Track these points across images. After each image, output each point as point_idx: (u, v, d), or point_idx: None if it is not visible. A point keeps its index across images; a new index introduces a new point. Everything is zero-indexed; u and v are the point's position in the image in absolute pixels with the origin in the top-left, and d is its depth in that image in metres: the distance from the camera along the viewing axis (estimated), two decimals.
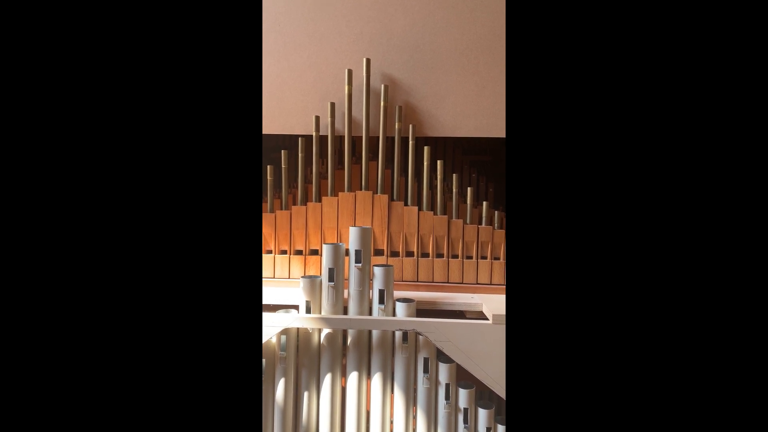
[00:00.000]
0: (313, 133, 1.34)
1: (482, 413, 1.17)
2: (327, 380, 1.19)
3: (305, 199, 1.36)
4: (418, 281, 1.33)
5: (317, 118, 1.34)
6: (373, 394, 1.20)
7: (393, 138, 1.35)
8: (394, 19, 1.34)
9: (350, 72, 1.32)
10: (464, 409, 1.17)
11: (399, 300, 1.21)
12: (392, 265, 1.23)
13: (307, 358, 1.20)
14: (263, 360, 1.18)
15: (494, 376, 1.12)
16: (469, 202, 1.33)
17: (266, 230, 1.34)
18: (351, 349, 1.20)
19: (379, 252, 1.34)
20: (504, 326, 1.12)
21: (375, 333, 1.20)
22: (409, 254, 1.34)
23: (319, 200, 1.35)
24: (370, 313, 1.21)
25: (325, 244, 1.19)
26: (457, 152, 1.75)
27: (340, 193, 1.34)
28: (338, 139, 1.39)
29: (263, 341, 1.14)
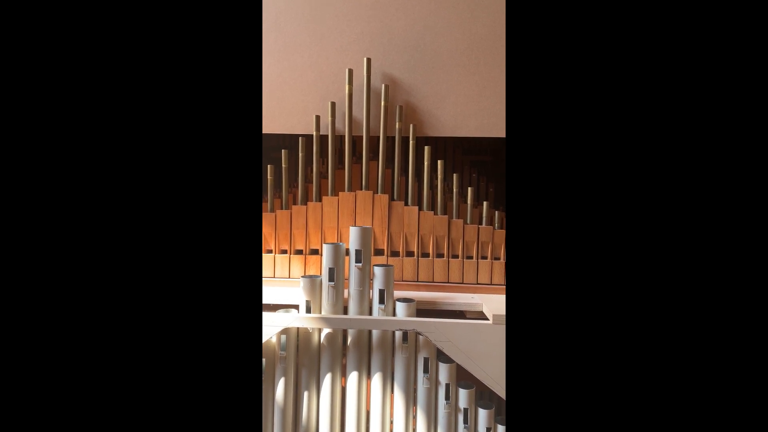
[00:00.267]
0: (314, 133, 1.34)
1: (482, 413, 1.17)
2: (327, 380, 1.19)
3: (305, 199, 1.36)
4: (418, 281, 1.33)
5: (318, 118, 1.34)
6: (373, 394, 1.20)
7: (393, 138, 1.35)
8: (394, 18, 1.33)
9: (351, 71, 1.32)
10: (464, 409, 1.17)
11: (399, 300, 1.21)
12: (392, 265, 1.23)
13: (307, 358, 1.20)
14: (263, 360, 1.18)
15: (494, 376, 1.12)
16: (469, 202, 1.33)
17: (266, 230, 1.34)
18: (351, 349, 1.20)
19: (379, 252, 1.34)
20: (504, 326, 1.12)
21: (375, 333, 1.20)
22: (410, 254, 1.34)
23: (320, 200, 1.35)
24: (370, 313, 1.20)
25: (325, 243, 1.19)
26: (458, 152, 1.75)
27: (340, 193, 1.34)
28: (339, 139, 1.39)
29: (263, 341, 1.14)
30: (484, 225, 1.32)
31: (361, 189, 1.34)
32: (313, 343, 1.21)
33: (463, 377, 1.17)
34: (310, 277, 1.21)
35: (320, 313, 1.19)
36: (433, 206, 1.35)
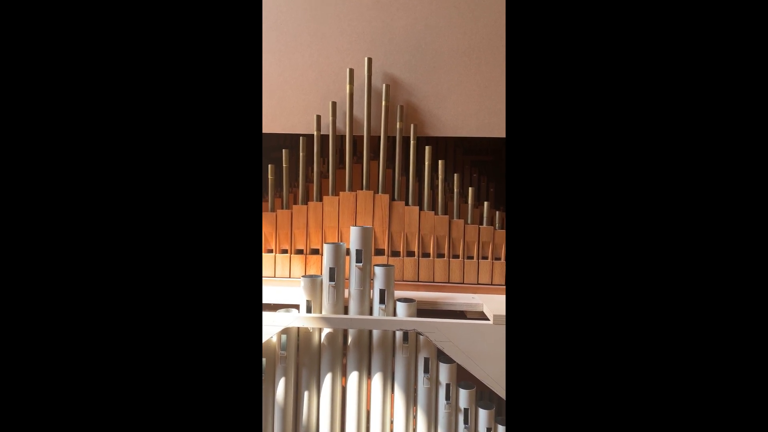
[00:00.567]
0: (315, 133, 1.34)
1: (482, 413, 1.17)
2: (327, 380, 1.19)
3: (306, 199, 1.36)
4: (418, 281, 1.33)
5: (318, 118, 1.34)
6: (374, 394, 1.20)
7: (394, 137, 1.35)
8: (395, 18, 1.33)
9: (352, 71, 1.32)
10: (465, 409, 1.17)
11: (400, 300, 1.21)
12: (393, 265, 1.22)
13: (308, 358, 1.20)
14: (263, 359, 1.18)
15: (495, 376, 1.11)
16: (470, 202, 1.33)
17: (267, 229, 1.34)
18: (351, 349, 1.20)
19: (380, 252, 1.34)
20: (504, 327, 1.12)
21: (375, 333, 1.20)
22: (410, 254, 1.34)
23: (320, 200, 1.35)
24: (371, 313, 1.20)
25: (326, 243, 1.19)
26: (459, 152, 1.75)
27: (341, 193, 1.34)
28: (339, 139, 1.39)
29: (264, 340, 1.14)
30: (484, 225, 1.32)
31: (362, 189, 1.34)
32: (313, 342, 1.21)
33: (463, 377, 1.17)
34: (311, 276, 1.21)
35: (321, 312, 1.19)
36: (433, 206, 1.35)
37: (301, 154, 1.34)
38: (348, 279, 1.20)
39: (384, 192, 1.34)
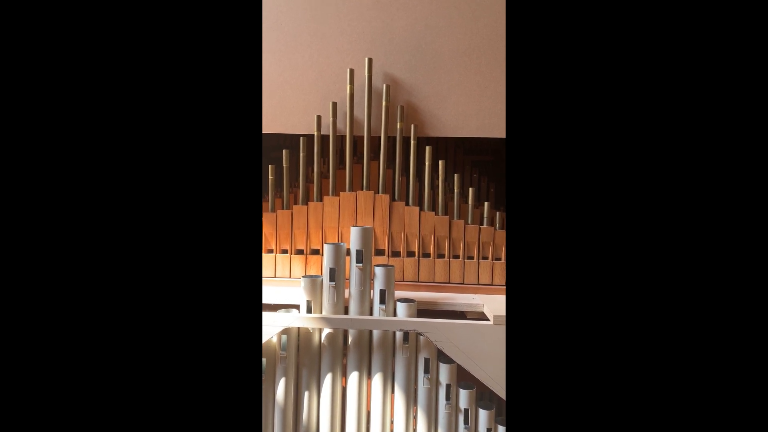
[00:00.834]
0: (315, 133, 1.34)
1: (483, 414, 1.17)
2: (327, 380, 1.19)
3: (306, 199, 1.36)
4: (419, 281, 1.33)
5: (319, 118, 1.34)
6: (374, 395, 1.20)
7: (395, 138, 1.35)
8: (396, 18, 1.33)
9: (352, 71, 1.32)
10: (465, 409, 1.17)
11: (400, 300, 1.21)
12: (393, 265, 1.22)
13: (308, 358, 1.20)
14: (264, 359, 1.18)
15: (495, 376, 1.11)
16: (470, 202, 1.33)
17: (267, 229, 1.34)
18: (352, 349, 1.20)
19: (380, 252, 1.34)
20: (504, 327, 1.11)
21: (376, 333, 1.20)
22: (410, 254, 1.34)
23: (321, 200, 1.35)
24: (371, 313, 1.20)
25: (326, 243, 1.19)
26: (459, 152, 1.75)
27: (341, 193, 1.34)
28: (340, 139, 1.39)
29: (264, 341, 1.14)
30: (485, 225, 1.32)
31: (362, 189, 1.34)
32: (313, 343, 1.21)
33: (463, 378, 1.17)
34: (311, 277, 1.21)
35: (321, 313, 1.19)
36: (434, 206, 1.35)
37: (301, 154, 1.34)
38: (348, 279, 1.20)
39: (384, 192, 1.34)
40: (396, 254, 1.34)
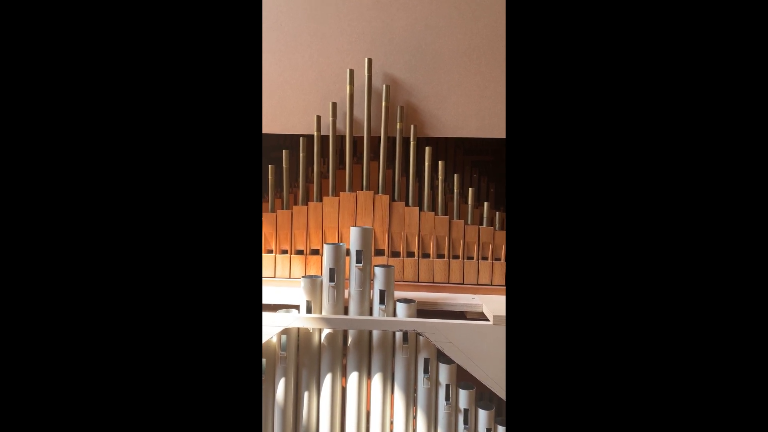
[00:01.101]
0: (315, 133, 1.34)
1: (482, 414, 1.17)
2: (327, 380, 1.19)
3: (306, 199, 1.36)
4: (418, 282, 1.33)
5: (319, 118, 1.34)
6: (374, 395, 1.20)
7: (394, 138, 1.35)
8: (396, 19, 1.33)
9: (352, 72, 1.32)
10: (464, 409, 1.17)
11: (400, 300, 1.21)
12: (393, 266, 1.22)
13: (308, 358, 1.20)
14: (263, 360, 1.18)
15: (494, 377, 1.11)
16: (470, 202, 1.33)
17: (267, 230, 1.34)
18: (351, 350, 1.20)
19: (380, 252, 1.34)
20: (504, 327, 1.11)
21: (375, 333, 1.20)
22: (410, 254, 1.34)
23: (321, 200, 1.35)
24: (371, 314, 1.20)
25: (326, 244, 1.19)
26: (459, 152, 1.75)
27: (341, 193, 1.34)
28: (339, 139, 1.39)
29: (264, 341, 1.14)
30: (484, 226, 1.32)
31: (362, 189, 1.34)
32: (313, 343, 1.21)
33: (463, 378, 1.17)
34: (311, 277, 1.21)
35: (321, 313, 1.19)
36: (433, 207, 1.35)
37: (301, 154, 1.34)
38: (348, 279, 1.20)
39: (384, 192, 1.34)
40: (396, 254, 1.34)
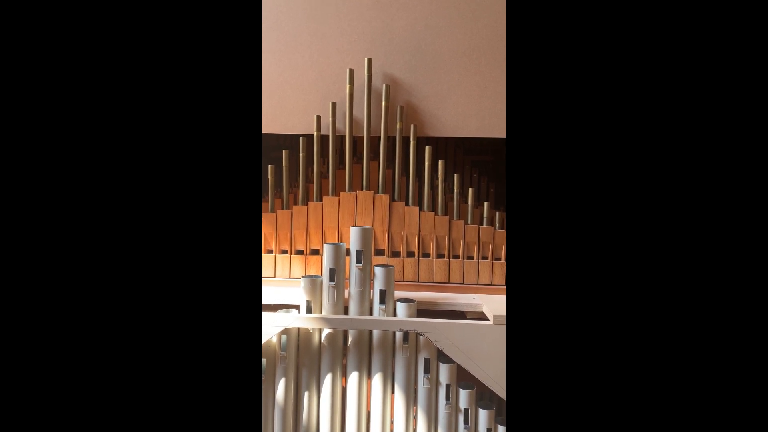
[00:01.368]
0: (315, 133, 1.34)
1: (483, 414, 1.17)
2: (327, 380, 1.19)
3: (306, 199, 1.36)
4: (418, 281, 1.33)
5: (318, 118, 1.34)
6: (374, 395, 1.20)
7: (394, 138, 1.35)
8: (395, 18, 1.33)
9: (352, 72, 1.32)
10: (465, 409, 1.17)
11: (400, 300, 1.21)
12: (393, 266, 1.22)
13: (308, 358, 1.20)
14: (263, 360, 1.18)
15: (495, 376, 1.11)
16: (470, 202, 1.33)
17: (267, 230, 1.34)
18: (351, 349, 1.20)
19: (380, 252, 1.34)
20: (504, 327, 1.11)
21: (375, 333, 1.20)
22: (410, 254, 1.34)
23: (320, 200, 1.35)
24: (371, 314, 1.20)
25: (326, 243, 1.19)
26: (459, 152, 1.75)
27: (341, 193, 1.34)
28: (339, 139, 1.39)
29: (264, 341, 1.14)
30: (484, 225, 1.32)
31: (362, 189, 1.34)
32: (313, 343, 1.21)
33: (463, 378, 1.17)
34: (311, 277, 1.21)
35: (321, 313, 1.19)
36: (433, 206, 1.35)
37: (301, 154, 1.34)
38: (348, 279, 1.20)
39: (384, 192, 1.34)
40: (396, 254, 1.34)
